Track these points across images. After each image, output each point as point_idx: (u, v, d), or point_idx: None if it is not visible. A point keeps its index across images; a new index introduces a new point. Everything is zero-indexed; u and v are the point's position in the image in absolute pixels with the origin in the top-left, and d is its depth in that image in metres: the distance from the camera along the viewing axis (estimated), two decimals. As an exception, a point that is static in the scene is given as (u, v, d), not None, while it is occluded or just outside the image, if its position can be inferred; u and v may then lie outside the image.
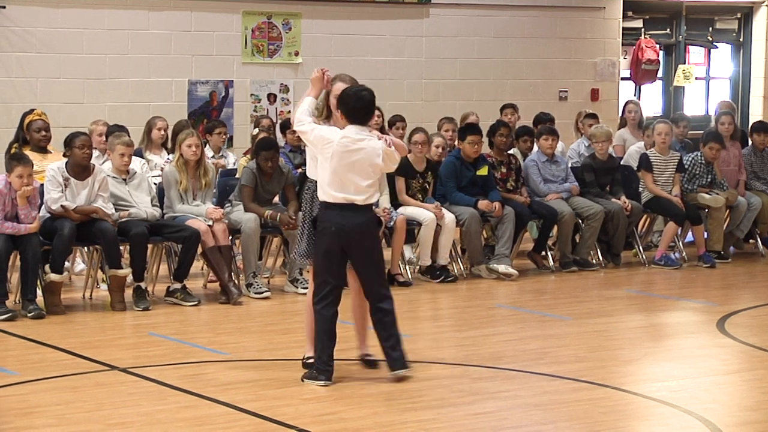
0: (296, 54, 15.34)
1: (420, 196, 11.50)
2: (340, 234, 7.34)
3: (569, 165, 12.45)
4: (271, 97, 15.22)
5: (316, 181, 7.48)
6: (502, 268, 11.44)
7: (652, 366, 8.27)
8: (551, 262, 12.03)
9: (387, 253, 11.24)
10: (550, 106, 15.34)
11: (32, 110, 11.07)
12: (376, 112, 12.80)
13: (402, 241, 11.23)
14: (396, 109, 14.12)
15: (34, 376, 7.49)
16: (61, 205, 9.72)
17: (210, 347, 8.50)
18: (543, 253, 12.07)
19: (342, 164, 7.28)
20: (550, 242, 12.20)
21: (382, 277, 7.67)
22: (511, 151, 12.21)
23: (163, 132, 11.96)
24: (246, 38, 15.03)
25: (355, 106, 7.37)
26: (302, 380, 7.40)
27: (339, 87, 7.51)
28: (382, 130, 12.69)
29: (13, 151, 10.86)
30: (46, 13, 13.80)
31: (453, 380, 7.62)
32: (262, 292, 10.40)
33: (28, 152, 10.47)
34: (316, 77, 7.52)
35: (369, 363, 7.80)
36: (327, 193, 7.33)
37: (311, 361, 7.55)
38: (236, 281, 10.38)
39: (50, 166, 9.94)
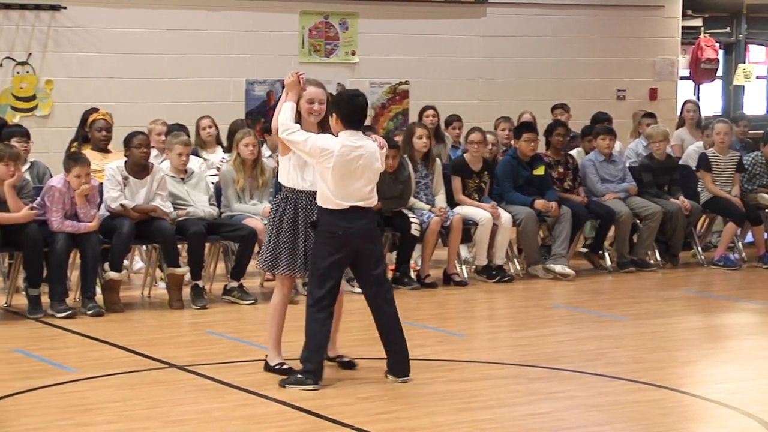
0: (353, 53, 15.36)
1: (476, 195, 11.47)
2: (348, 239, 7.22)
3: (627, 165, 12.37)
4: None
5: (297, 190, 7.33)
6: (558, 268, 11.38)
7: (710, 367, 8.20)
8: (608, 263, 11.96)
9: (443, 253, 11.27)
10: (608, 106, 15.24)
11: (96, 109, 11.18)
12: (431, 111, 12.92)
13: (458, 241, 11.22)
14: (451, 108, 14.10)
15: (94, 373, 7.56)
16: (120, 204, 9.81)
17: (267, 345, 8.52)
18: (600, 253, 12.01)
19: (345, 173, 7.14)
20: (606, 243, 12.14)
21: (388, 281, 7.63)
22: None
23: (208, 131, 12.03)
24: (303, 38, 15.08)
25: (351, 110, 7.24)
26: (283, 386, 7.19)
27: (311, 91, 7.35)
28: (437, 130, 12.73)
29: (72, 149, 10.99)
30: (106, 14, 13.93)
31: (509, 380, 7.60)
32: (318, 291, 10.40)
33: (87, 151, 10.57)
34: (292, 81, 7.29)
35: (345, 364, 7.69)
36: (330, 201, 7.17)
37: (284, 367, 7.43)
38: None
39: (109, 165, 10.03)
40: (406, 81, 15.61)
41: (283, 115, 7.22)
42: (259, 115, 14.59)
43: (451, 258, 11.18)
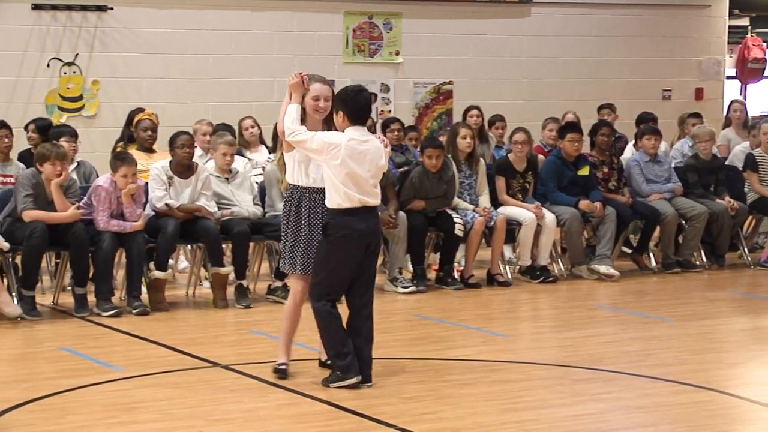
0: (397, 53, 15.37)
1: (520, 195, 11.44)
2: (363, 238, 7.11)
3: (672, 165, 12.30)
4: (372, 97, 15.27)
5: (301, 187, 7.23)
6: (603, 268, 11.33)
7: (757, 369, 8.13)
8: (653, 263, 11.89)
9: (487, 253, 11.25)
10: (653, 106, 15.15)
11: (142, 109, 11.25)
12: (475, 112, 12.90)
13: (502, 241, 11.19)
14: (496, 108, 14.08)
15: (139, 371, 7.61)
16: (165, 204, 9.87)
17: (310, 345, 8.53)
18: (645, 254, 11.94)
19: (352, 168, 7.04)
20: (651, 243, 12.07)
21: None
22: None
23: (251, 131, 12.06)
24: (347, 38, 15.10)
25: (357, 106, 7.15)
26: (327, 385, 7.14)
27: (316, 88, 7.22)
28: (481, 130, 12.71)
29: (118, 149, 11.06)
30: (152, 14, 14.02)
31: (553, 381, 7.57)
32: (362, 291, 10.42)
33: (133, 151, 10.64)
34: (296, 83, 7.19)
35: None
36: (341, 198, 7.05)
37: (282, 367, 7.35)
38: (336, 280, 10.40)
39: (154, 165, 10.09)
40: (450, 81, 15.60)
41: (288, 118, 7.11)
42: (304, 115, 14.61)
43: (495, 258, 11.16)
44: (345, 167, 7.02)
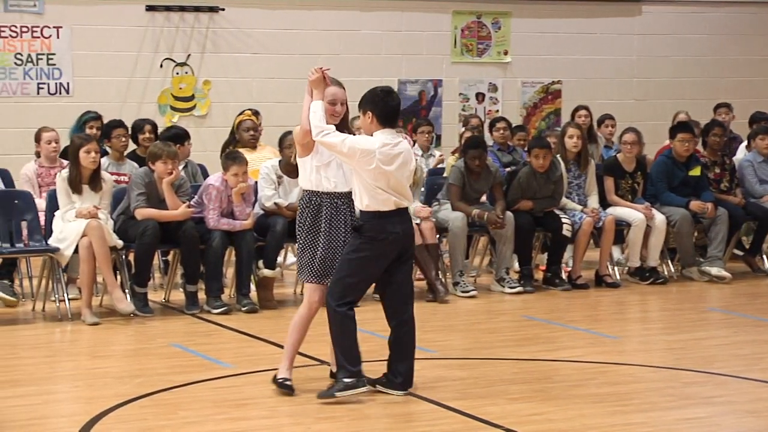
0: (505, 53, 15.32)
1: (629, 196, 11.32)
2: (397, 242, 6.90)
3: (787, 165, 12.07)
4: (480, 96, 15.25)
5: (321, 192, 6.93)
6: (714, 270, 11.16)
7: None
8: (767, 265, 11.67)
9: (595, 254, 11.16)
10: (768, 105, 14.88)
11: (243, 111, 11.39)
12: (584, 112, 12.80)
13: (611, 242, 11.09)
14: (605, 108, 13.95)
15: (248, 368, 7.69)
16: (275, 203, 9.96)
17: (417, 345, 8.55)
18: (758, 256, 11.74)
19: (386, 172, 6.80)
20: (765, 245, 11.85)
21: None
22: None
23: (361, 131, 12.08)
24: (455, 38, 15.09)
25: (387, 108, 6.91)
26: (332, 395, 6.83)
27: (333, 92, 6.97)
28: (590, 130, 12.60)
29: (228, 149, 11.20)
30: (262, 15, 14.18)
31: (663, 384, 7.48)
32: (468, 291, 10.43)
33: (241, 150, 10.75)
34: (317, 79, 6.91)
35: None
36: (375, 202, 6.82)
37: (287, 383, 6.99)
38: (443, 279, 10.43)
39: (264, 164, 10.19)
40: (558, 80, 15.50)
41: (315, 116, 6.83)
42: (411, 115, 14.65)
43: (603, 259, 11.06)
44: (379, 172, 6.80)
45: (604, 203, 11.20)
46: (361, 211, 6.93)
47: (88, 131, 11.06)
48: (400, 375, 7.05)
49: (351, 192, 6.98)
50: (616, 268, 11.27)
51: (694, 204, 11.21)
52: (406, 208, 7.01)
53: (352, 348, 6.91)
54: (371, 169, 6.79)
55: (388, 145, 6.85)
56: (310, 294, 7.03)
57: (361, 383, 6.87)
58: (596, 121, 13.14)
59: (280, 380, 7.03)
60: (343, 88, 7.09)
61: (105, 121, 11.21)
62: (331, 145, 6.83)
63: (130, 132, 11.06)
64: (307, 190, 7.01)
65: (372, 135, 6.93)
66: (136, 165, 10.74)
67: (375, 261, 6.92)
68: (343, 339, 6.91)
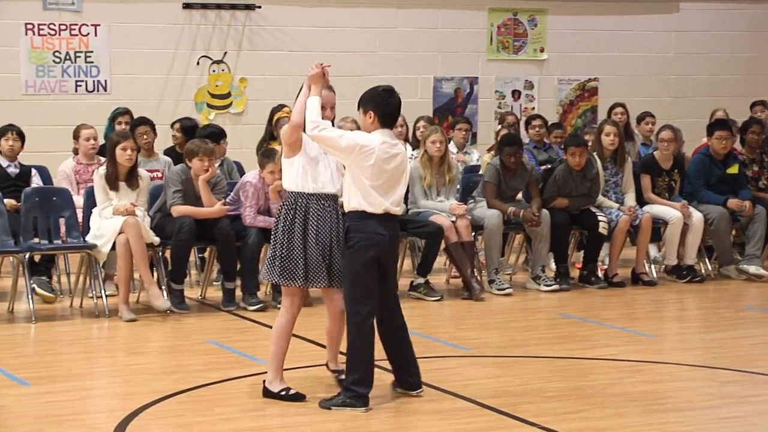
0: (541, 50, 15.28)
1: (666, 194, 11.27)
2: (382, 245, 6.71)
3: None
4: (516, 94, 15.22)
5: (307, 194, 6.80)
6: (752, 269, 11.09)
7: None
8: (805, 264, 11.60)
9: (631, 252, 11.11)
10: (806, 102, 14.76)
11: (282, 107, 11.40)
12: (620, 109, 12.74)
13: (647, 240, 11.04)
14: (643, 105, 13.90)
15: (284, 365, 7.69)
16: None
17: (452, 342, 8.57)
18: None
19: (382, 172, 6.65)
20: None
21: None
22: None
23: (400, 128, 12.10)
24: (492, 35, 15.07)
25: (389, 109, 6.75)
26: (327, 408, 6.69)
27: (324, 95, 6.77)
28: (627, 128, 12.54)
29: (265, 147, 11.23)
30: (298, 13, 14.21)
31: (700, 383, 7.44)
32: (504, 289, 10.41)
33: (276, 147, 10.78)
34: (316, 74, 6.74)
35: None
36: (367, 203, 6.66)
37: (291, 392, 6.85)
38: (478, 277, 10.42)
39: (300, 162, 10.20)
40: (595, 78, 15.44)
41: (311, 111, 6.66)
42: (447, 112, 14.65)
43: (640, 257, 11.01)
44: (375, 170, 6.64)
45: (641, 201, 11.15)
46: (347, 212, 6.76)
47: (117, 127, 11.16)
48: (415, 376, 6.99)
49: (337, 194, 6.89)
50: (652, 266, 11.22)
51: (732, 202, 11.15)
52: (396, 217, 6.82)
53: (369, 365, 6.74)
54: (369, 165, 6.63)
55: (387, 143, 6.71)
56: (292, 299, 6.91)
57: (362, 405, 6.67)
58: (636, 118, 13.08)
59: (283, 393, 6.85)
60: (334, 92, 6.97)
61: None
62: (327, 139, 6.66)
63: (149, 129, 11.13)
64: (292, 192, 6.86)
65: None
66: (168, 159, 10.81)
67: (367, 265, 6.68)
68: (361, 354, 6.72)
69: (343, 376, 6.94)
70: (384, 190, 6.69)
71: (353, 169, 6.68)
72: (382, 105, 6.74)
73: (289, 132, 6.81)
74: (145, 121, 10.94)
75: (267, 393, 6.89)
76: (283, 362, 6.93)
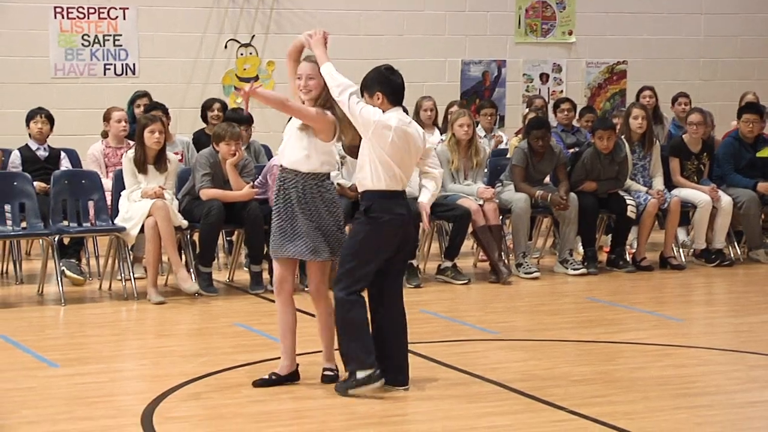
0: (570, 33, 15.21)
1: (695, 177, 11.22)
2: (404, 223, 6.64)
3: None
4: (544, 77, 15.16)
5: (297, 171, 6.69)
6: (782, 253, 11.06)
7: None
8: (835, 248, 11.53)
9: (660, 235, 11.08)
10: (839, 85, 14.68)
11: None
12: (649, 92, 12.67)
13: (676, 224, 11.00)
14: (672, 88, 13.83)
15: (310, 348, 7.67)
16: (338, 183, 9.97)
17: (479, 326, 8.57)
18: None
19: (400, 150, 6.56)
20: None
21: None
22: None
23: (430, 112, 12.08)
24: (520, 18, 15.01)
25: (395, 86, 6.64)
26: (343, 392, 6.57)
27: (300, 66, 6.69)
28: (656, 111, 12.48)
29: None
30: (327, -5, 14.20)
31: (728, 367, 7.42)
32: (531, 272, 10.40)
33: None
34: (318, 39, 6.64)
35: (327, 378, 6.88)
36: (385, 180, 6.56)
37: (278, 374, 6.79)
38: (506, 261, 10.41)
39: (328, 145, 10.21)
40: (624, 61, 15.37)
41: (333, 78, 6.54)
42: (474, 96, 14.62)
43: (668, 241, 10.97)
44: (393, 148, 6.54)
45: (670, 185, 11.10)
46: (366, 191, 6.64)
47: (135, 110, 11.21)
48: (402, 370, 6.74)
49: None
50: (681, 250, 11.19)
51: (762, 185, 11.09)
52: (405, 192, 6.72)
53: (365, 338, 6.59)
54: (388, 143, 6.52)
55: (403, 121, 6.61)
56: (285, 278, 6.84)
57: (376, 377, 6.54)
58: (670, 98, 13.01)
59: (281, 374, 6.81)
60: (313, 63, 6.72)
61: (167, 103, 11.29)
62: (348, 106, 6.53)
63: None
64: (285, 170, 6.75)
65: None
66: (187, 140, 10.85)
67: (383, 246, 6.61)
68: (354, 330, 6.59)
69: (331, 373, 6.84)
70: (401, 168, 6.60)
71: (373, 145, 6.58)
72: (388, 83, 6.64)
73: (316, 117, 6.67)
74: (157, 106, 10.97)
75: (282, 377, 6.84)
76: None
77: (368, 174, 6.62)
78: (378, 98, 6.62)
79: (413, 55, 14.44)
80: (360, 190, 6.73)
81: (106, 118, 10.64)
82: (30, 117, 10.53)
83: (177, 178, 9.87)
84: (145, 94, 11.53)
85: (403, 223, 6.67)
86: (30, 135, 10.49)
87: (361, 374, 6.58)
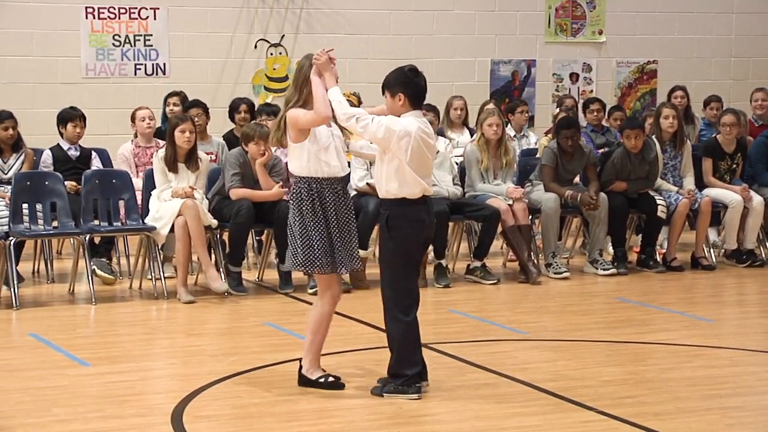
0: (600, 32, 15.17)
1: (727, 177, 11.16)
2: (427, 229, 6.62)
3: None
4: (573, 77, 15.13)
5: (317, 178, 6.59)
6: (813, 253, 10.98)
7: None
8: None
9: (690, 236, 11.02)
10: None
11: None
12: (680, 92, 12.61)
13: (707, 224, 10.95)
14: (703, 88, 13.77)
15: (340, 348, 7.71)
16: (367, 183, 9.99)
17: (509, 326, 8.56)
18: None
19: (420, 157, 6.47)
20: None
21: None
22: None
23: (460, 111, 12.08)
24: (549, 17, 14.98)
25: (419, 89, 6.55)
26: (380, 394, 6.58)
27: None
28: (687, 111, 12.42)
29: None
30: (356, -5, 14.22)
31: (760, 368, 7.38)
32: (561, 272, 10.37)
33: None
34: (323, 62, 6.71)
35: (337, 385, 6.79)
36: (407, 190, 6.49)
37: (330, 380, 6.71)
38: (535, 261, 10.38)
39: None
40: (654, 60, 15.31)
41: (340, 105, 6.54)
42: (504, 95, 14.59)
43: (699, 241, 10.92)
44: (414, 155, 6.46)
45: (701, 184, 11.05)
46: (384, 200, 6.60)
47: (167, 109, 11.23)
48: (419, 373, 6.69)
49: (347, 176, 6.76)
50: (712, 251, 11.13)
51: (793, 186, 11.04)
52: (430, 197, 6.67)
53: (416, 353, 6.61)
54: (408, 151, 6.45)
55: (422, 127, 6.53)
56: (329, 286, 6.72)
57: (414, 392, 6.54)
58: (701, 98, 12.94)
59: (322, 380, 6.73)
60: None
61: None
62: (367, 131, 6.49)
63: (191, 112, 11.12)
64: (304, 177, 6.63)
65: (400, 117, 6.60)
66: (222, 142, 10.87)
67: (415, 252, 6.61)
68: (407, 345, 6.59)
69: (330, 378, 6.78)
70: (421, 175, 6.55)
71: (391, 155, 6.53)
72: (411, 85, 6.55)
73: (317, 122, 6.61)
74: (197, 104, 11.00)
75: (304, 381, 6.78)
76: (320, 350, 6.80)
77: (384, 183, 6.57)
78: (399, 99, 6.56)
79: (442, 55, 14.43)
80: (380, 196, 6.69)
81: (133, 118, 10.68)
82: (67, 119, 10.52)
83: (207, 178, 9.90)
84: (178, 93, 11.57)
85: (423, 227, 6.61)
86: (63, 135, 10.53)
87: (399, 383, 6.57)
